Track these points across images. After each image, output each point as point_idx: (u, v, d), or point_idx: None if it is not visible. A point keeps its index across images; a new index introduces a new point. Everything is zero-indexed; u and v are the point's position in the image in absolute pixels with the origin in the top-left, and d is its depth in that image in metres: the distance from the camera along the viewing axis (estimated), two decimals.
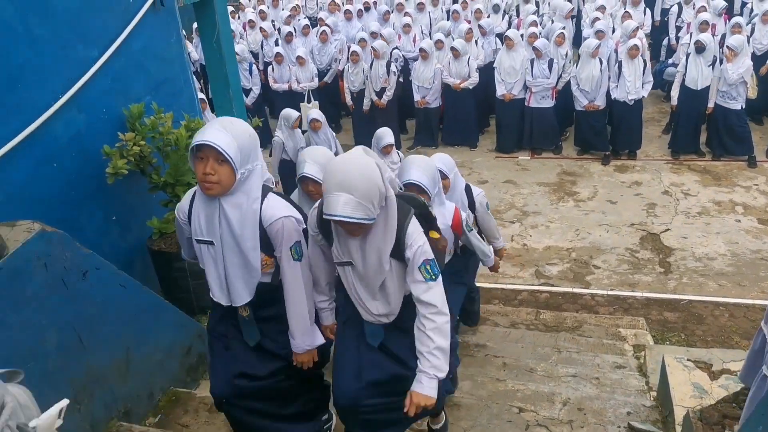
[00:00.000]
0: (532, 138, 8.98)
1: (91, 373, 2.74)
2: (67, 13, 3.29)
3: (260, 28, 11.00)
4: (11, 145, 2.93)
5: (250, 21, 11.35)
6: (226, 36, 5.19)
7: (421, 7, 10.82)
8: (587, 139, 8.80)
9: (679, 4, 10.37)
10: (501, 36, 9.48)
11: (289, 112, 7.26)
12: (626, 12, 9.29)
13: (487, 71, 9.26)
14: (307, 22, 10.78)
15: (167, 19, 4.24)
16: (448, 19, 11.04)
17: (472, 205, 3.93)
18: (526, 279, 6.31)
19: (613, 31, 9.43)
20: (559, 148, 9.07)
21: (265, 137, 8.74)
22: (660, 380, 3.69)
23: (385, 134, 6.18)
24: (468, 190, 3.90)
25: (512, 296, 6.06)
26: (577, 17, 11.43)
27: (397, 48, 9.93)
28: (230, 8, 11.64)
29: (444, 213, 3.32)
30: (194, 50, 10.19)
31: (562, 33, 8.83)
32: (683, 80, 8.16)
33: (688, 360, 3.56)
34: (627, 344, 4.82)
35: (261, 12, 11.85)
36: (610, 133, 8.81)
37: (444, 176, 3.54)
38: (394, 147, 6.41)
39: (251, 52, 10.65)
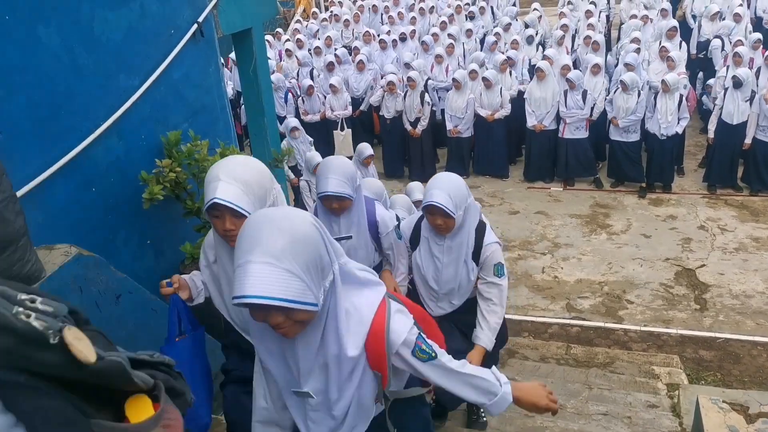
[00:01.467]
0: (567, 169, 8.90)
1: None
2: (111, 44, 3.40)
3: (296, 57, 11.23)
4: (53, 169, 3.01)
5: (287, 50, 11.57)
6: (263, 65, 5.30)
7: (452, 37, 10.90)
8: (622, 169, 8.70)
9: (719, 37, 10.26)
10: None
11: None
12: (664, 47, 9.21)
13: (518, 101, 9.28)
14: (342, 51, 10.95)
15: (206, 49, 4.35)
16: (482, 49, 11.11)
17: None
18: (556, 312, 6.22)
19: (648, 63, 9.38)
20: (598, 181, 8.98)
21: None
22: (694, 422, 3.58)
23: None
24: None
25: (542, 329, 5.98)
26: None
27: (429, 78, 10.04)
28: (268, 37, 11.95)
29: None
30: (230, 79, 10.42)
31: (598, 64, 8.81)
32: (720, 114, 8.05)
33: (723, 401, 3.45)
34: (660, 383, 4.70)
35: (298, 41, 12.07)
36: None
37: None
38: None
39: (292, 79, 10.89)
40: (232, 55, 9.24)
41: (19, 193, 2.51)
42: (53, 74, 3.03)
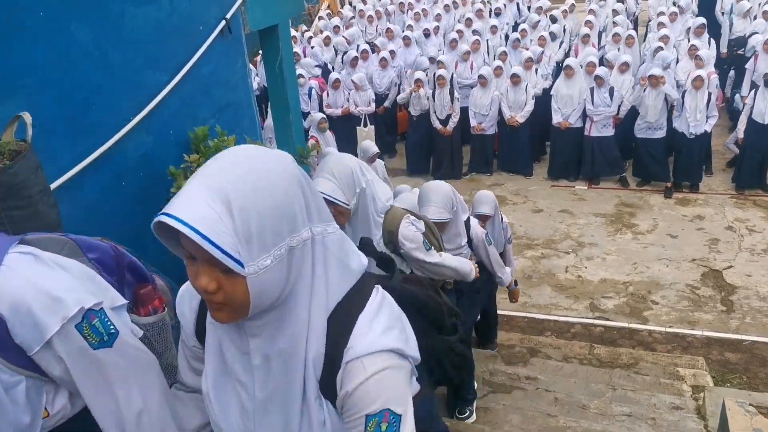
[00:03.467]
0: (593, 167, 8.81)
1: None
2: (141, 40, 3.44)
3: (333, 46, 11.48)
4: (84, 164, 3.06)
5: (327, 38, 11.68)
6: (289, 62, 5.32)
7: (477, 34, 10.85)
8: (648, 168, 8.60)
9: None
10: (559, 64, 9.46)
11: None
12: (693, 45, 9.05)
13: (542, 99, 9.21)
14: (366, 47, 10.96)
15: (234, 46, 4.38)
16: (506, 46, 11.04)
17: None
18: (580, 312, 6.18)
19: (677, 62, 9.24)
20: (624, 180, 8.87)
21: None
22: (719, 424, 3.55)
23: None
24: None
25: (565, 329, 5.95)
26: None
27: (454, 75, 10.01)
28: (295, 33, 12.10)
29: None
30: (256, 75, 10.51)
31: (626, 61, 8.70)
32: (750, 113, 7.91)
33: (750, 404, 3.41)
34: (685, 384, 4.65)
35: (327, 38, 12.11)
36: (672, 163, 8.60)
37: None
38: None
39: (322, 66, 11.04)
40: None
41: (51, 187, 2.55)
42: (84, 70, 3.08)
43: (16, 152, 2.14)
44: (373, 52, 10.89)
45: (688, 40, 9.64)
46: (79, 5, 3.00)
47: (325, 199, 2.65)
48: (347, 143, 9.73)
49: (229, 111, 4.40)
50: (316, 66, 10.99)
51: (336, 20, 13.60)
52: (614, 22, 11.05)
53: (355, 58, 10.27)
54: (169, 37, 3.68)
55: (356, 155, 9.05)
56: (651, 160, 8.49)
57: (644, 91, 8.18)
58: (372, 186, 2.92)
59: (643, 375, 4.88)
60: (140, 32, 3.43)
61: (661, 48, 9.05)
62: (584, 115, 8.64)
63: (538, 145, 9.82)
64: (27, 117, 2.24)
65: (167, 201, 3.08)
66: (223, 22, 4.19)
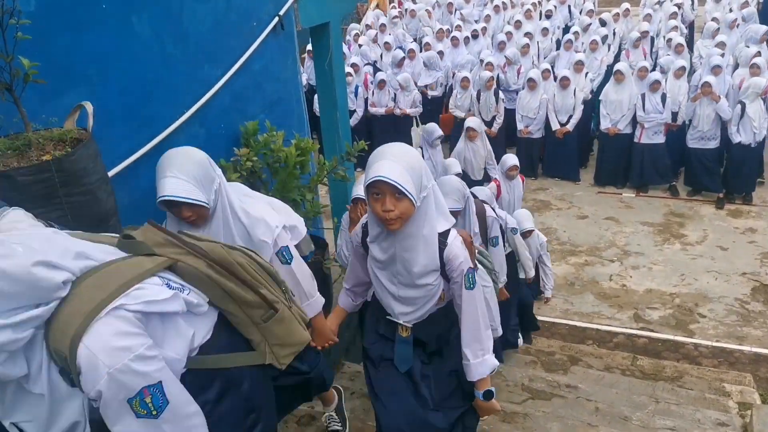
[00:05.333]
0: (642, 175, 8.62)
1: None
2: (198, 35, 3.51)
3: (386, 42, 11.51)
4: (139, 154, 3.14)
5: (374, 36, 11.74)
6: (338, 59, 5.35)
7: (529, 36, 10.73)
8: (699, 178, 8.37)
9: None
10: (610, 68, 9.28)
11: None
12: (758, 52, 8.74)
13: (590, 104, 9.07)
14: (413, 46, 10.94)
15: (286, 42, 4.44)
16: (557, 49, 10.90)
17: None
18: (623, 321, 6.06)
19: (734, 69, 8.97)
20: (674, 189, 8.67)
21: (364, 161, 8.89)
22: None
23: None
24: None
25: (607, 338, 5.84)
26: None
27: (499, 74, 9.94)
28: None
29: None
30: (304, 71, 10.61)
31: (683, 66, 8.47)
32: None
33: None
34: (731, 401, 4.52)
35: (375, 35, 12.16)
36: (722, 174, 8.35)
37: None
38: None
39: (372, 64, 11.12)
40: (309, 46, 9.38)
41: (108, 175, 2.62)
42: (144, 63, 3.15)
43: (77, 140, 2.21)
44: (420, 51, 10.88)
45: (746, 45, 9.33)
46: None
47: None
48: (392, 141, 9.74)
49: (278, 106, 4.45)
50: (366, 64, 11.03)
51: (384, 19, 13.63)
52: (670, 28, 10.78)
53: (402, 59, 10.27)
54: (224, 33, 3.75)
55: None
56: (703, 170, 8.26)
57: (696, 103, 7.96)
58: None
59: (688, 389, 4.76)
60: (198, 27, 3.49)
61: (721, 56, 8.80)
62: (633, 122, 8.46)
63: (584, 151, 9.66)
64: (88, 106, 2.30)
65: None
66: (276, 19, 4.24)
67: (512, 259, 5.06)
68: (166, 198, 2.33)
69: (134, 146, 3.14)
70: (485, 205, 4.16)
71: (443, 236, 2.31)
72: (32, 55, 2.11)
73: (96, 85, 2.86)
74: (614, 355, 5.42)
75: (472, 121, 7.61)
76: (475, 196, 4.27)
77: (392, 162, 2.10)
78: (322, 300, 2.80)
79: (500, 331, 3.88)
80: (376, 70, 10.71)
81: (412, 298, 2.42)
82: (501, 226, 4.36)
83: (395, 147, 2.18)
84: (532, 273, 5.41)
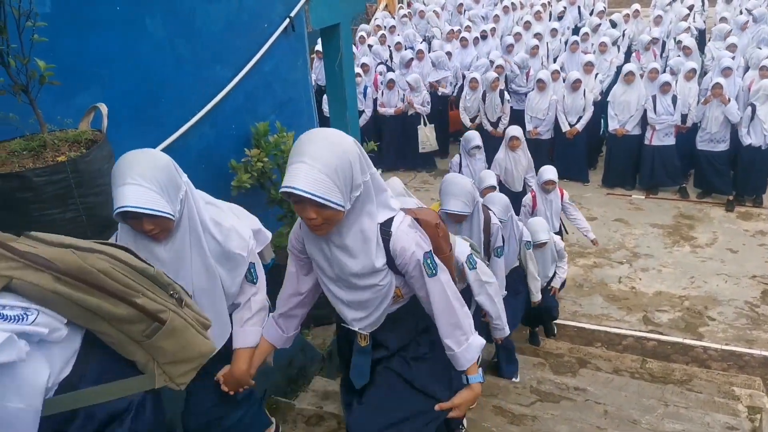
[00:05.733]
0: (653, 177, 8.58)
1: None
2: (209, 36, 3.53)
3: (397, 42, 11.51)
4: None
5: (382, 36, 11.71)
6: (348, 60, 5.36)
7: (539, 37, 10.70)
8: (709, 181, 8.33)
9: None
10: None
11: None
12: None
13: (599, 105, 9.04)
14: (422, 47, 10.94)
15: (296, 43, 4.45)
16: (565, 50, 10.87)
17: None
18: (632, 324, 6.03)
19: (745, 71, 8.93)
20: (684, 191, 8.63)
21: (376, 162, 8.88)
22: None
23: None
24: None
25: (616, 340, 5.82)
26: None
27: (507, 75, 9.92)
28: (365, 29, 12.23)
29: None
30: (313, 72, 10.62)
31: (693, 68, 8.42)
32: None
33: None
34: (741, 405, 4.50)
35: (382, 36, 12.15)
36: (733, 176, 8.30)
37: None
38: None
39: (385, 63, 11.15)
40: (319, 47, 9.39)
41: None
42: (155, 63, 3.18)
43: (91, 141, 2.23)
44: (429, 51, 10.88)
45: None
46: (155, 0, 3.09)
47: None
48: (399, 140, 9.80)
49: (288, 107, 4.47)
50: (380, 63, 11.04)
51: (392, 21, 13.63)
52: (681, 30, 10.74)
53: (410, 60, 10.28)
54: (235, 34, 3.77)
55: (418, 150, 9.16)
56: (713, 172, 8.22)
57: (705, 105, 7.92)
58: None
59: (697, 392, 4.74)
60: (210, 28, 3.51)
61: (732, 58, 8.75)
62: (642, 123, 8.43)
63: (593, 152, 9.63)
64: (103, 108, 2.32)
65: (228, 194, 3.14)
66: (287, 20, 4.26)
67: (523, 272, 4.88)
68: (125, 209, 1.89)
69: (145, 147, 3.15)
70: (490, 212, 3.99)
71: (386, 226, 1.98)
72: (46, 56, 2.13)
73: (108, 86, 2.89)
74: (623, 358, 5.40)
75: (514, 130, 7.18)
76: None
77: (309, 166, 1.73)
78: (259, 336, 2.32)
79: (507, 331, 3.70)
80: (389, 69, 10.71)
81: (362, 302, 2.10)
82: (505, 237, 4.14)
83: (315, 142, 1.79)
84: (538, 297, 4.97)
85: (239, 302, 2.31)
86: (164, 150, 3.26)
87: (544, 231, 5.14)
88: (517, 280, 4.74)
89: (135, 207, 1.88)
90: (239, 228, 2.26)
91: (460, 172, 6.98)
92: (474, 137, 7.18)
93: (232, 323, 2.28)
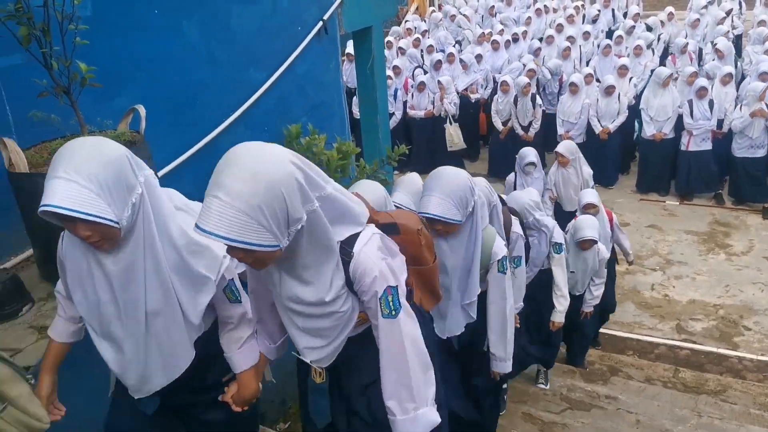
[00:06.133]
0: (689, 183, 8.42)
1: None
2: (244, 39, 3.57)
3: (429, 45, 11.42)
4: (185, 156, 3.20)
5: (400, 48, 11.67)
6: (380, 63, 5.37)
7: (571, 40, 10.59)
8: (745, 188, 8.15)
9: None
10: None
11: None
12: None
13: (632, 109, 8.91)
14: (453, 50, 10.90)
15: (329, 46, 4.47)
16: (598, 53, 10.73)
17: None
18: (665, 332, 5.93)
19: None
20: (719, 197, 8.44)
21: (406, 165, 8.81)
22: None
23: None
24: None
25: (648, 349, 5.72)
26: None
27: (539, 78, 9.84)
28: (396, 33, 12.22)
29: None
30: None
31: (730, 72, 8.25)
32: None
33: None
34: None
35: (416, 40, 12.13)
36: None
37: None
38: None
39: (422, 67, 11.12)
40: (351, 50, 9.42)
41: None
42: (191, 66, 3.22)
43: (130, 143, 2.27)
44: (460, 54, 10.83)
45: None
46: (191, 3, 3.13)
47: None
48: (427, 144, 9.78)
49: (320, 110, 4.49)
50: (417, 67, 11.03)
51: (423, 25, 13.60)
52: (719, 33, 10.53)
53: (439, 62, 10.25)
54: (269, 37, 3.80)
55: (446, 150, 9.08)
56: (749, 179, 8.03)
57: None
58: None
59: (732, 404, 4.64)
60: (244, 31, 3.55)
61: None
62: (676, 127, 8.28)
63: (626, 156, 9.48)
64: (141, 110, 2.36)
65: None
66: (320, 23, 4.28)
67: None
68: (48, 208, 1.51)
69: (179, 149, 3.20)
70: (513, 217, 3.57)
71: (348, 245, 1.66)
72: (86, 59, 2.17)
73: (145, 88, 2.93)
74: (655, 367, 5.31)
75: (562, 146, 6.64)
76: (503, 203, 3.60)
77: (222, 204, 1.41)
78: (258, 351, 2.05)
79: (509, 366, 3.05)
80: (426, 72, 10.69)
81: (319, 329, 1.77)
82: (531, 243, 3.88)
83: (234, 173, 1.42)
84: (560, 318, 4.35)
85: (228, 323, 2.00)
86: (199, 151, 3.30)
87: (592, 228, 4.58)
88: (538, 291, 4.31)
89: (60, 208, 1.50)
90: (212, 244, 1.83)
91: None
92: (528, 153, 6.68)
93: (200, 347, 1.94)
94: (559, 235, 4.27)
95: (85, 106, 2.31)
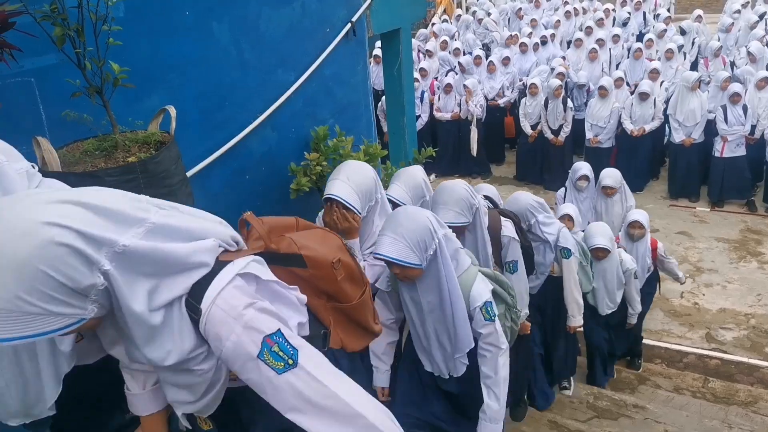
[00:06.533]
0: (722, 189, 8.24)
1: None
2: (273, 40, 3.58)
3: (455, 48, 11.41)
4: (214, 157, 3.22)
5: (428, 50, 11.62)
6: (408, 65, 5.36)
7: (600, 43, 10.47)
8: None
9: None
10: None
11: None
12: None
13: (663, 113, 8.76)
14: (480, 53, 10.84)
15: (357, 48, 4.47)
16: (628, 57, 10.60)
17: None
18: (694, 341, 5.81)
19: None
20: (752, 204, 8.26)
21: (431, 167, 8.78)
22: None
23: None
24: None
25: (677, 358, 5.61)
26: None
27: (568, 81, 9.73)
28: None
29: None
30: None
31: (766, 77, 8.06)
32: None
33: None
34: None
35: (443, 42, 12.10)
36: None
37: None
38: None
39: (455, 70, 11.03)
40: (378, 52, 9.43)
41: None
42: (221, 68, 3.24)
43: (160, 143, 2.28)
44: (487, 57, 10.77)
45: None
46: (222, 5, 3.15)
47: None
48: (454, 146, 9.73)
49: (348, 112, 4.49)
50: (450, 70, 10.99)
51: (452, 27, 13.55)
52: (753, 38, 10.32)
53: (461, 63, 10.20)
54: (298, 38, 3.81)
55: (473, 156, 8.99)
56: None
57: None
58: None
59: (763, 415, 4.53)
60: (274, 33, 3.56)
61: None
62: (707, 132, 8.12)
63: (656, 162, 9.34)
64: (172, 110, 2.37)
65: (287, 197, 3.18)
66: (349, 25, 4.28)
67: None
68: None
69: (208, 149, 3.22)
70: (504, 219, 3.37)
71: (194, 296, 1.27)
72: (118, 60, 2.19)
73: (176, 89, 2.95)
74: (684, 376, 5.21)
75: (609, 177, 6.11)
76: (495, 205, 3.59)
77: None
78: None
79: (502, 413, 2.67)
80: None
81: (184, 384, 1.43)
82: (523, 246, 3.44)
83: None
84: (575, 321, 4.18)
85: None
86: (227, 152, 3.32)
87: (603, 236, 4.41)
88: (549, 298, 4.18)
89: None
90: None
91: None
92: (581, 167, 6.33)
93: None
94: (566, 239, 3.98)
95: (116, 106, 2.32)
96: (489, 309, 2.53)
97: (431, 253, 2.37)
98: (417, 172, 3.39)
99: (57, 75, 2.19)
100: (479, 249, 3.09)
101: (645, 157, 8.81)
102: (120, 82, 2.12)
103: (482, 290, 2.53)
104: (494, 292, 2.63)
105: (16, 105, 2.34)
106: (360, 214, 2.73)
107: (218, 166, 3.30)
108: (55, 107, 2.30)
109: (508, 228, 3.31)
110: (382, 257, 2.35)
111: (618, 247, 4.80)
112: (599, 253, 4.42)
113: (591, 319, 4.66)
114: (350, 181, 2.74)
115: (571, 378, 4.61)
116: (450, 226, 2.66)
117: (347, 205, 2.69)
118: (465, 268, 2.56)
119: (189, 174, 3.02)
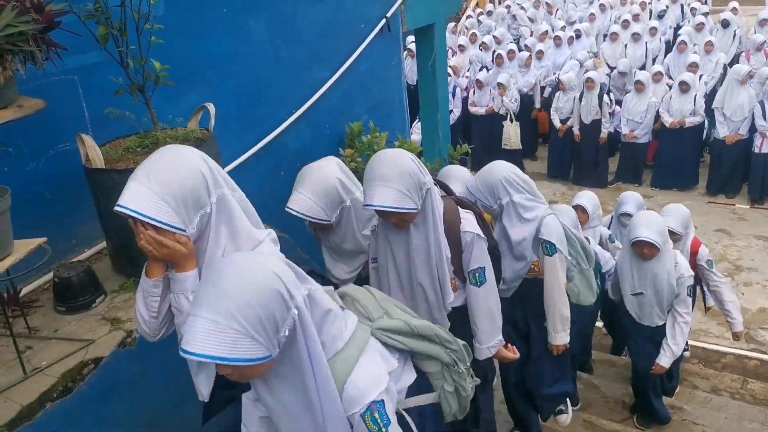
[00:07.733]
0: (763, 187, 8.02)
1: None
2: (309, 38, 3.60)
3: (482, 43, 11.32)
4: (250, 153, 3.26)
5: (460, 45, 11.56)
6: (441, 61, 5.34)
7: (636, 37, 10.27)
8: None
9: None
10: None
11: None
12: None
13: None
14: (513, 47, 10.73)
15: (391, 44, 4.47)
16: (667, 51, 10.39)
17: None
18: (732, 341, 5.67)
19: None
20: None
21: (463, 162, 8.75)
22: None
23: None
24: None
25: (715, 358, 5.49)
26: None
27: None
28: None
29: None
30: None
31: None
32: None
33: None
34: None
35: (473, 35, 12.03)
36: None
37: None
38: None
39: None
40: (411, 46, 9.40)
41: None
42: (258, 65, 3.27)
43: (200, 140, 2.31)
44: (520, 51, 10.65)
45: None
46: (258, 2, 3.18)
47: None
48: (488, 141, 9.67)
49: (382, 107, 4.50)
50: (482, 68, 10.91)
51: (491, 22, 13.42)
52: None
53: (500, 56, 10.10)
54: (333, 35, 3.82)
55: (501, 149, 8.92)
56: None
57: None
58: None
59: None
60: (309, 30, 3.58)
61: None
62: (753, 127, 7.91)
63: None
64: (211, 108, 2.40)
65: None
66: (384, 21, 4.28)
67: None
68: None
69: (245, 146, 3.26)
70: (465, 212, 2.45)
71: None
72: (159, 58, 2.23)
73: (214, 87, 2.99)
74: (722, 377, 5.09)
75: (628, 206, 4.87)
76: (449, 192, 2.59)
77: None
78: None
79: None
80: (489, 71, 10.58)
81: None
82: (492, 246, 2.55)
83: None
84: (560, 338, 3.12)
85: None
86: (263, 149, 3.35)
87: (649, 228, 3.37)
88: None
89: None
90: None
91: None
92: (627, 200, 4.93)
93: None
94: (549, 230, 2.93)
95: (158, 104, 2.36)
96: (380, 413, 1.48)
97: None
98: (462, 170, 3.23)
99: (100, 73, 2.23)
100: (431, 252, 2.31)
101: (689, 154, 8.53)
102: (161, 80, 2.16)
103: (369, 381, 1.50)
104: (417, 353, 1.72)
105: (61, 102, 2.39)
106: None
107: (254, 162, 3.34)
108: (98, 105, 2.35)
109: (469, 221, 2.41)
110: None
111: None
112: (645, 250, 3.40)
113: (636, 335, 3.75)
114: (308, 191, 2.57)
115: (567, 400, 3.93)
116: (388, 213, 2.16)
117: (314, 220, 2.55)
118: (343, 344, 1.53)
119: (226, 171, 3.06)
